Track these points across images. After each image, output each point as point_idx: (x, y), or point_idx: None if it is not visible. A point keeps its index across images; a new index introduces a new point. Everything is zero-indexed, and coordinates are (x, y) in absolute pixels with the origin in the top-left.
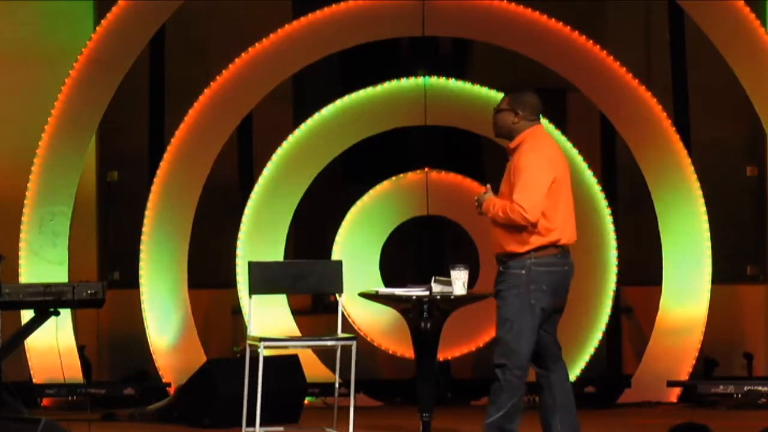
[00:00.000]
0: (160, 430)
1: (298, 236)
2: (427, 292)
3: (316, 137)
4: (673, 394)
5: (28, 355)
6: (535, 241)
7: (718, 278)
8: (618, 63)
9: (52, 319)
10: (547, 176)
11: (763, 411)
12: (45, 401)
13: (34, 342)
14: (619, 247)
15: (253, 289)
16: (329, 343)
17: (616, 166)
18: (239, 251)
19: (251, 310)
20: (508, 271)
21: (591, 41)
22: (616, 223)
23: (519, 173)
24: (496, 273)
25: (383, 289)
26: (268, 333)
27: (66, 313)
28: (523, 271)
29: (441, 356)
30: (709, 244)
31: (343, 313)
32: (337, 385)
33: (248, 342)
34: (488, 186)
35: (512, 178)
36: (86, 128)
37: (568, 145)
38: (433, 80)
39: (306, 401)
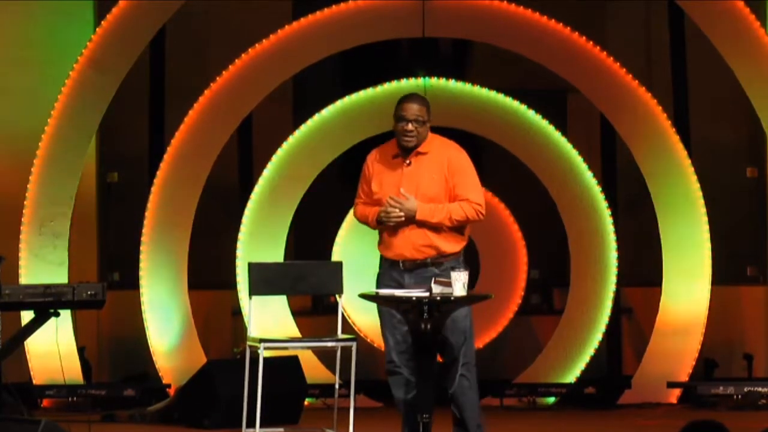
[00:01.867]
0: (160, 431)
1: (298, 237)
2: (427, 294)
3: (316, 138)
4: (673, 395)
5: (28, 356)
6: (464, 238)
7: (718, 279)
8: (618, 64)
9: (52, 320)
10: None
11: (764, 412)
12: (45, 402)
13: (34, 343)
14: (619, 248)
15: (253, 290)
16: (329, 344)
17: (616, 167)
18: (239, 252)
19: (251, 311)
20: (447, 273)
21: (591, 42)
22: (616, 224)
23: (463, 174)
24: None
25: (383, 291)
26: (268, 334)
27: (66, 314)
28: None
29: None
30: (709, 245)
31: (343, 314)
32: (337, 386)
33: (248, 343)
34: (403, 191)
35: (452, 179)
36: (86, 129)
37: (569, 146)
38: (433, 81)
39: (306, 402)
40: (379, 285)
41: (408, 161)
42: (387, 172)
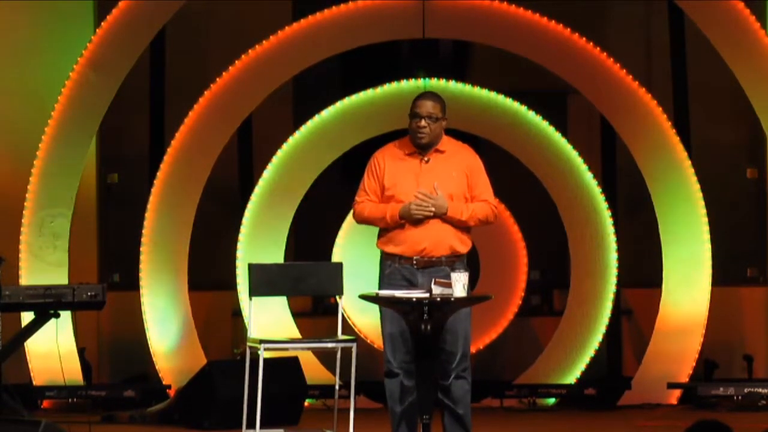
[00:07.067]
0: None
1: (299, 238)
2: (427, 295)
3: (316, 139)
4: (674, 396)
5: (28, 357)
6: (470, 241)
7: (718, 280)
8: (618, 65)
9: (53, 321)
10: None
11: (764, 413)
12: (45, 403)
13: (34, 344)
14: (620, 249)
15: (254, 291)
16: (329, 345)
17: (616, 168)
18: (239, 253)
19: (251, 312)
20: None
21: (591, 43)
22: (617, 225)
23: (480, 174)
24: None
25: (383, 292)
26: (268, 335)
27: (66, 315)
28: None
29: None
30: (709, 246)
31: (343, 315)
32: (337, 387)
33: (248, 344)
34: (436, 185)
35: (471, 180)
36: (86, 130)
37: (569, 146)
38: (433, 82)
39: (306, 403)
40: (386, 285)
41: (426, 158)
42: (402, 168)
